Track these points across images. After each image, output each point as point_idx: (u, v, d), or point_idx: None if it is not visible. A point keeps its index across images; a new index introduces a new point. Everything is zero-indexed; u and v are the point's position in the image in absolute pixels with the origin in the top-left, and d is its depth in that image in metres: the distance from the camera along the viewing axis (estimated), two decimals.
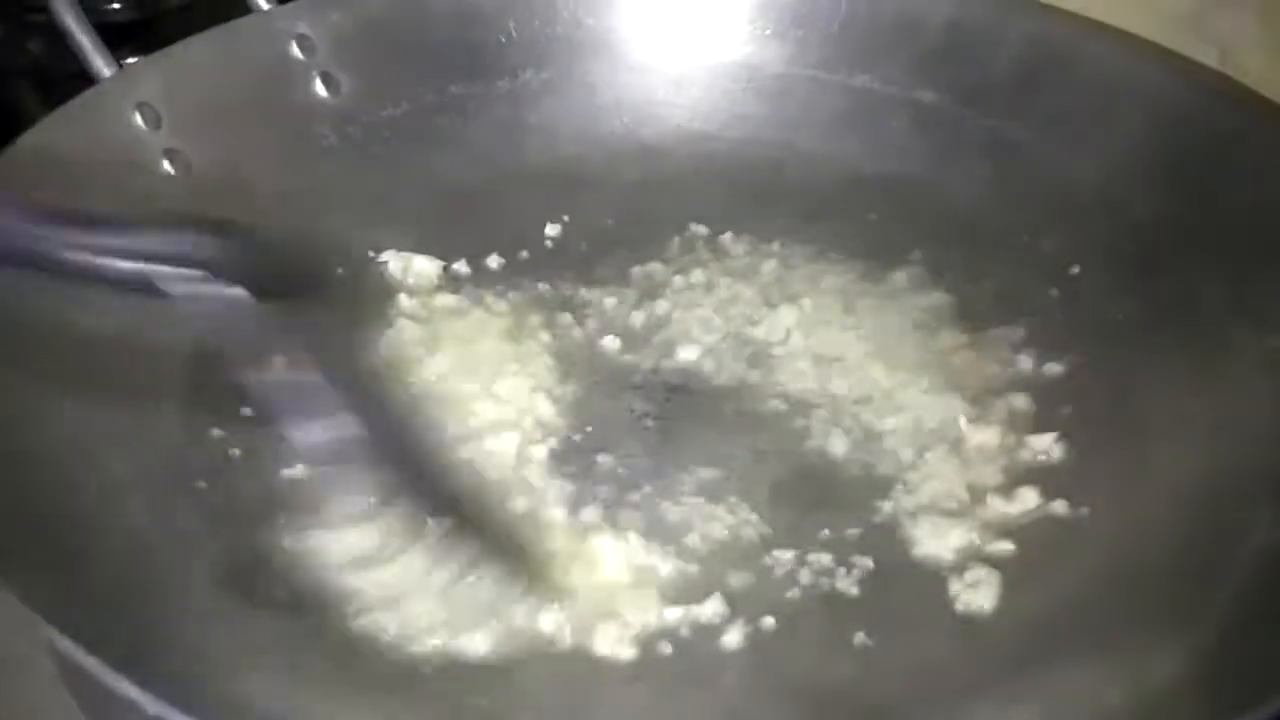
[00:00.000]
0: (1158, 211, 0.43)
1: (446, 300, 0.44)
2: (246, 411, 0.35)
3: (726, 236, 0.47)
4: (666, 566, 0.34)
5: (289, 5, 0.48)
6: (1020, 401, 0.39)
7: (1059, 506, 0.35)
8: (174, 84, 0.43)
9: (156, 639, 0.29)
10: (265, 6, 0.47)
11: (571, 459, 0.37)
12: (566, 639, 0.32)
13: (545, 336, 0.42)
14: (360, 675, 0.30)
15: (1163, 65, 0.45)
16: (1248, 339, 0.38)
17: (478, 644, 0.31)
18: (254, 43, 0.46)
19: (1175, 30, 0.49)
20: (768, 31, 0.52)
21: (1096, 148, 0.45)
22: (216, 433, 0.37)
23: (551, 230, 0.47)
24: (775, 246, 0.46)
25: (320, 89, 0.48)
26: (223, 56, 0.45)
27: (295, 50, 0.47)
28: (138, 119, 0.42)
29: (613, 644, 0.32)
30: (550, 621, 0.32)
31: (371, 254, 0.45)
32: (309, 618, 0.31)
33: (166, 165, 0.43)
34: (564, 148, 0.51)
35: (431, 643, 0.31)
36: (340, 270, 0.44)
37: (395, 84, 0.49)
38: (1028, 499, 0.36)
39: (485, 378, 0.40)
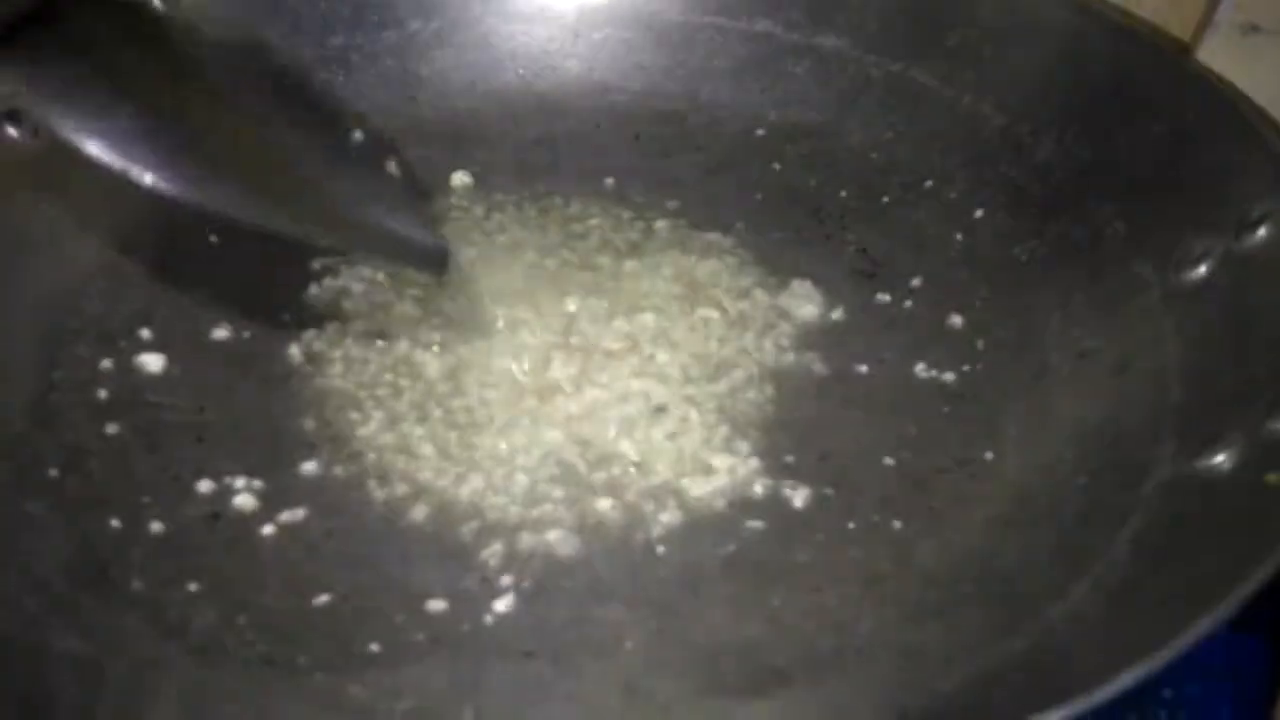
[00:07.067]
0: (1059, 151, 0.42)
1: None
2: (103, 394, 0.33)
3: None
4: None
5: None
6: (923, 350, 0.38)
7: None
8: None
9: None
10: None
11: None
12: None
13: None
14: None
15: (1062, 2, 0.44)
16: (1150, 276, 0.37)
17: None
18: None
19: None
20: None
21: (999, 88, 0.44)
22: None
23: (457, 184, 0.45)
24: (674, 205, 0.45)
25: None
26: None
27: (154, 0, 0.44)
28: None
29: None
30: None
31: None
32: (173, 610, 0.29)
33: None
34: (458, 102, 0.49)
35: None
36: None
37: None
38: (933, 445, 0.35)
39: None
